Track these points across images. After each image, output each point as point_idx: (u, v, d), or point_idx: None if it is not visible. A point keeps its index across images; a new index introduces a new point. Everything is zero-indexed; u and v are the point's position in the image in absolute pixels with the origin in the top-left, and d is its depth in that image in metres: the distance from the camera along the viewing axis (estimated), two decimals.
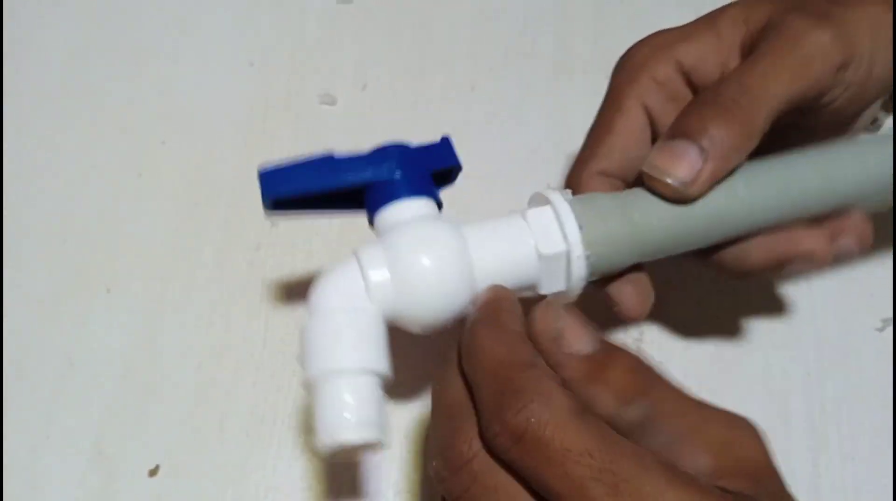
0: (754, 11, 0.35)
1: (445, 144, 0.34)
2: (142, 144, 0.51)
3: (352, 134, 0.51)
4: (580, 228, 0.31)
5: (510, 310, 0.28)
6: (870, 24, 0.34)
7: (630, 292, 0.34)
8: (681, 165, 0.31)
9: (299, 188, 0.31)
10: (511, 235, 0.31)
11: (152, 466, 0.41)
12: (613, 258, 0.32)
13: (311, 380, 0.28)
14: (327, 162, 0.31)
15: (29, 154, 0.51)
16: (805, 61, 0.32)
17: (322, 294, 0.29)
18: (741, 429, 0.26)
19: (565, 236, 0.30)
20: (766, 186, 0.33)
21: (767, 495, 0.24)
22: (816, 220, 0.35)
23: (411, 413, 0.43)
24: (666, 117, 0.35)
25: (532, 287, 0.32)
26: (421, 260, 0.29)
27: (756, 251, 0.35)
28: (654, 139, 0.36)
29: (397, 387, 0.43)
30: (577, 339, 0.27)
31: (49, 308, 0.46)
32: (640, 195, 0.33)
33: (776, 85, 0.31)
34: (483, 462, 0.24)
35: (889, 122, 0.45)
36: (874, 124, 0.44)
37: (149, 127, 0.52)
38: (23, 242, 0.48)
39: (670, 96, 0.35)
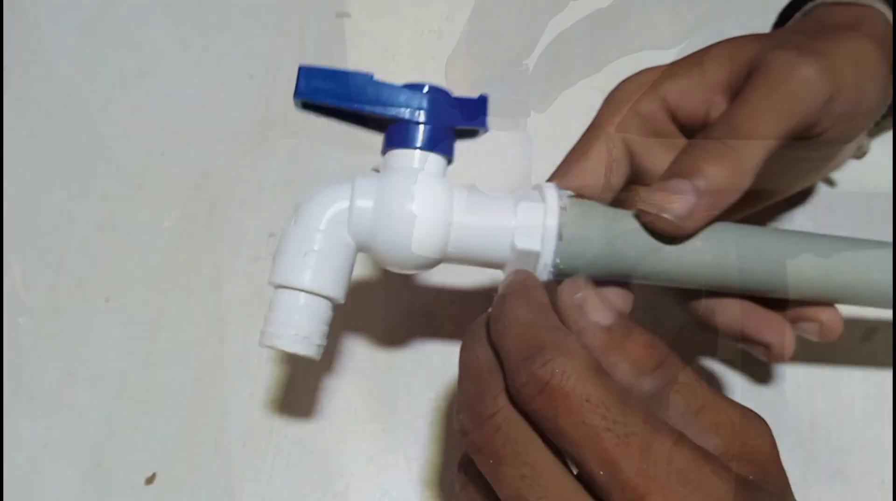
0: (739, 49, 0.35)
1: (481, 104, 0.35)
2: (142, 156, 0.52)
3: (351, 146, 0.51)
4: (559, 238, 0.32)
5: (538, 287, 0.30)
6: (854, 57, 0.34)
7: (616, 291, 0.35)
8: (676, 201, 0.32)
9: (329, 99, 0.32)
10: (497, 217, 0.32)
11: (149, 475, 0.42)
12: (582, 271, 0.33)
13: (275, 283, 0.31)
14: (364, 82, 0.33)
15: (30, 164, 0.51)
16: (792, 97, 0.33)
17: (310, 206, 0.32)
18: (753, 420, 0.28)
19: (542, 241, 0.32)
20: (757, 258, 0.34)
21: (772, 486, 0.26)
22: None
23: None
24: (646, 151, 0.36)
25: (498, 266, 0.34)
26: (405, 206, 0.31)
27: (723, 315, 0.36)
28: (631, 172, 0.37)
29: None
30: (597, 310, 0.30)
31: (49, 319, 0.46)
32: (629, 223, 0.33)
33: (765, 123, 0.32)
34: (507, 414, 0.26)
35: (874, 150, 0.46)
36: (859, 151, 0.45)
37: (149, 138, 0.52)
38: (23, 252, 0.48)
39: (653, 131, 0.36)
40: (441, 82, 0.55)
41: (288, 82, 0.55)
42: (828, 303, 0.37)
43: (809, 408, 0.44)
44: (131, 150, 0.52)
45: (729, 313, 0.36)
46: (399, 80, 0.55)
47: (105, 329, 0.46)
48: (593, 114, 0.38)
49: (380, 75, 0.54)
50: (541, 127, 0.53)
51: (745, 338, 0.36)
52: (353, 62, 0.56)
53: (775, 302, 0.37)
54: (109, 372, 0.44)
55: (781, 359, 0.36)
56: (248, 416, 0.43)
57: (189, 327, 0.46)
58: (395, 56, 0.56)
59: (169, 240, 0.49)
